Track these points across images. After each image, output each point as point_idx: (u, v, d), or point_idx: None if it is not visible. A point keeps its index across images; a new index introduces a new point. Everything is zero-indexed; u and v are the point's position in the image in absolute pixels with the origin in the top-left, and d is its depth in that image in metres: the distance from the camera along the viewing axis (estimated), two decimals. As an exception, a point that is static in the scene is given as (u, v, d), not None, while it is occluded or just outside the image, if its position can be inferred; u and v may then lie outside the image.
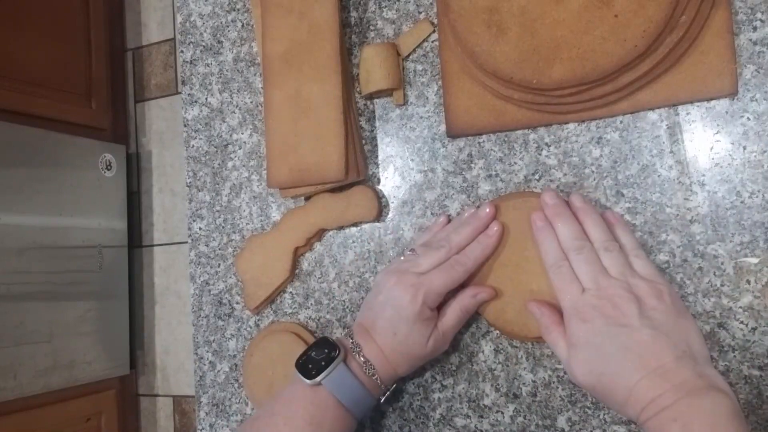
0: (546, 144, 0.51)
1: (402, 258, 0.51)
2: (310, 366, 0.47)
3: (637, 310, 0.41)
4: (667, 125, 0.47)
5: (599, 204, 0.49)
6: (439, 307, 0.50)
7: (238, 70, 0.66)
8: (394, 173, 0.58)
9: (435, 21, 0.56)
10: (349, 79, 0.58)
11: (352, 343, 0.49)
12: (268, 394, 0.59)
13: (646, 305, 0.42)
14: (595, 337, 0.42)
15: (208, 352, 0.66)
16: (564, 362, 0.45)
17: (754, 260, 0.44)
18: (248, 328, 0.64)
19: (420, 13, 0.57)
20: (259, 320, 0.64)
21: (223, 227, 0.66)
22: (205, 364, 0.66)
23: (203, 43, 0.68)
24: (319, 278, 0.61)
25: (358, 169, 0.56)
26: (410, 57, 0.57)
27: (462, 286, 0.50)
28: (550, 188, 0.50)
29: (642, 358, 0.40)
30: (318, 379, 0.47)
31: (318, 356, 0.48)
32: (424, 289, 0.47)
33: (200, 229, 0.67)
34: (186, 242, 1.85)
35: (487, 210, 0.50)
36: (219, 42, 0.67)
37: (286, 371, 0.58)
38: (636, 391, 0.39)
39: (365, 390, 0.48)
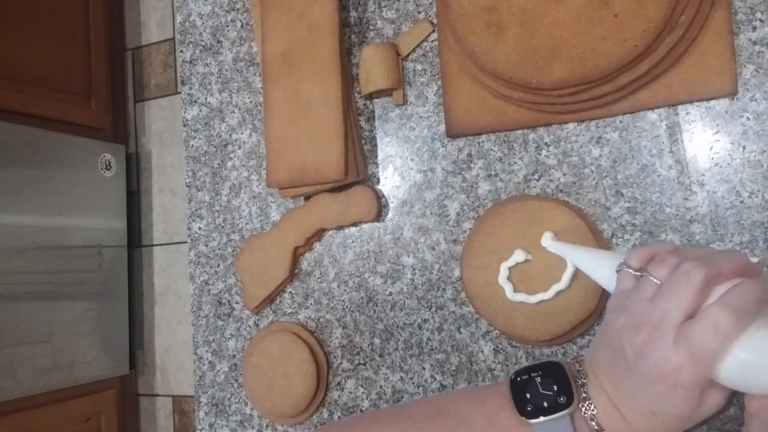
0: (545, 144, 0.51)
1: None
2: (528, 396, 0.38)
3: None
4: (666, 125, 0.47)
5: (599, 204, 0.49)
6: None
7: (237, 70, 0.66)
8: (394, 173, 0.58)
9: (434, 21, 0.56)
10: (348, 78, 0.58)
11: (588, 404, 0.37)
12: (268, 395, 0.59)
13: None
14: None
15: (207, 352, 0.66)
16: None
17: (754, 260, 0.44)
18: (248, 328, 0.64)
19: (419, 12, 0.57)
20: (258, 320, 0.64)
21: (222, 227, 0.66)
22: (204, 364, 0.66)
23: (203, 43, 0.68)
24: (319, 278, 0.61)
25: (357, 169, 0.56)
26: (410, 57, 0.57)
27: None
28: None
29: None
30: (533, 422, 0.37)
31: (544, 389, 0.38)
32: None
33: (200, 229, 0.67)
34: (185, 242, 1.85)
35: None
36: (218, 42, 0.67)
37: (286, 371, 0.58)
38: None
39: None
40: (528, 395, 0.38)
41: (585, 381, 0.38)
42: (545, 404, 0.37)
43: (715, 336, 0.32)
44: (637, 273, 0.37)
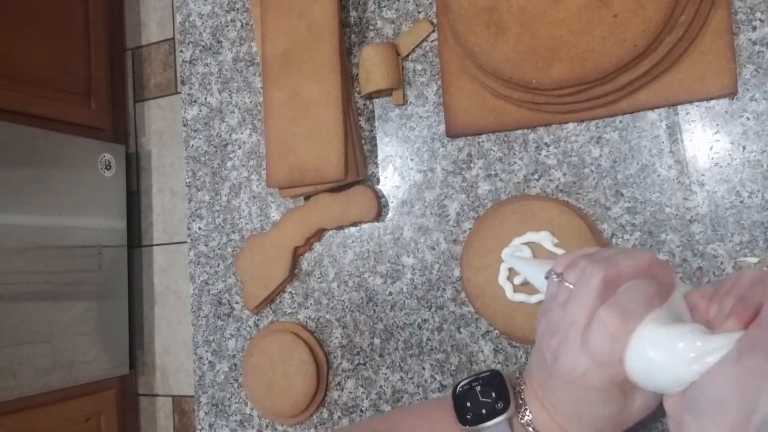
0: (545, 144, 0.51)
1: None
2: (469, 404, 0.39)
3: None
4: (666, 125, 0.47)
5: (599, 204, 0.49)
6: None
7: (237, 70, 0.66)
8: (394, 173, 0.58)
9: (434, 21, 0.56)
10: (348, 78, 0.58)
11: (525, 411, 0.39)
12: (268, 395, 0.59)
13: None
14: None
15: (207, 351, 0.66)
16: None
17: (754, 260, 0.44)
18: (247, 328, 0.64)
19: (419, 12, 0.57)
20: (258, 320, 0.64)
21: (222, 227, 0.66)
22: (204, 364, 0.66)
23: (202, 43, 0.68)
24: (319, 278, 0.61)
25: (357, 169, 0.56)
26: (410, 57, 0.57)
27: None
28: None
29: None
30: (471, 429, 0.39)
31: (483, 397, 0.39)
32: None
33: (200, 228, 0.67)
34: (185, 242, 1.85)
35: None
36: (218, 42, 0.67)
37: (285, 371, 0.58)
38: None
39: None
40: (468, 404, 0.39)
41: (522, 387, 0.39)
42: (484, 411, 0.38)
43: (604, 338, 0.32)
44: (556, 279, 0.37)
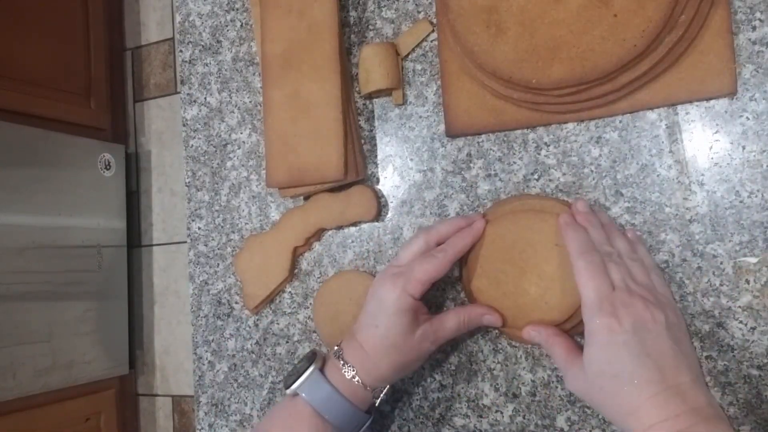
0: (545, 143, 0.51)
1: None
2: (291, 377, 0.47)
3: (665, 320, 0.40)
4: (666, 125, 0.47)
5: (599, 203, 0.49)
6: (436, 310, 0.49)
7: (237, 70, 0.66)
8: (394, 173, 0.58)
9: (434, 20, 0.56)
10: (348, 78, 0.58)
11: (336, 348, 0.48)
12: (335, 325, 0.58)
13: (669, 318, 0.41)
14: (619, 335, 0.39)
15: (207, 351, 0.66)
16: (564, 363, 0.44)
17: (753, 260, 0.44)
18: (247, 328, 0.64)
19: (419, 12, 0.57)
20: (258, 320, 0.64)
21: (222, 227, 0.66)
22: (204, 364, 0.66)
23: (202, 43, 0.68)
24: (318, 278, 0.61)
25: (357, 169, 0.56)
26: (409, 56, 0.57)
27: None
28: (583, 199, 0.49)
29: (661, 371, 0.38)
30: (293, 387, 0.46)
31: (300, 368, 0.47)
32: (403, 277, 0.46)
33: (199, 228, 0.67)
34: (185, 242, 1.85)
35: (474, 214, 0.49)
36: (218, 41, 0.67)
37: (351, 299, 0.57)
38: (648, 405, 0.38)
39: (341, 397, 0.46)
40: (291, 378, 0.47)
41: (340, 344, 0.48)
42: (302, 372, 0.47)
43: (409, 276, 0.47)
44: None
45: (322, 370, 0.47)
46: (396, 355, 0.47)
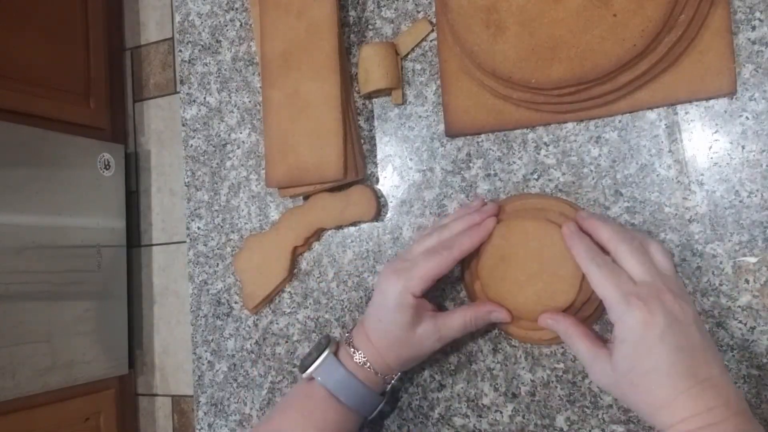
0: (545, 143, 0.51)
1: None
2: (306, 361, 0.49)
3: (692, 311, 0.40)
4: (665, 125, 0.47)
5: (598, 203, 0.49)
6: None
7: (236, 70, 0.66)
8: (393, 173, 0.58)
9: (433, 20, 0.56)
10: (347, 78, 0.58)
11: (347, 335, 0.50)
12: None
13: (694, 309, 0.40)
14: (654, 329, 0.38)
15: (206, 351, 0.66)
16: (588, 357, 0.42)
17: (753, 259, 0.44)
18: (246, 328, 0.64)
19: (419, 12, 0.57)
20: (257, 320, 0.64)
21: (221, 227, 0.66)
22: (203, 364, 0.66)
23: (201, 43, 0.68)
24: (318, 278, 0.61)
25: (356, 169, 0.56)
26: (409, 56, 0.57)
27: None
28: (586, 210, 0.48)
29: (694, 364, 0.38)
30: (309, 371, 0.48)
31: (315, 353, 0.49)
32: (406, 274, 0.46)
33: (199, 228, 0.67)
34: (185, 242, 1.85)
35: (490, 207, 0.49)
36: (217, 41, 0.67)
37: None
38: (682, 399, 0.37)
39: (355, 380, 0.48)
40: (307, 362, 0.49)
41: (351, 332, 0.50)
42: (316, 357, 0.49)
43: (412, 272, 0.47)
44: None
45: (335, 354, 0.49)
46: (400, 349, 0.48)
